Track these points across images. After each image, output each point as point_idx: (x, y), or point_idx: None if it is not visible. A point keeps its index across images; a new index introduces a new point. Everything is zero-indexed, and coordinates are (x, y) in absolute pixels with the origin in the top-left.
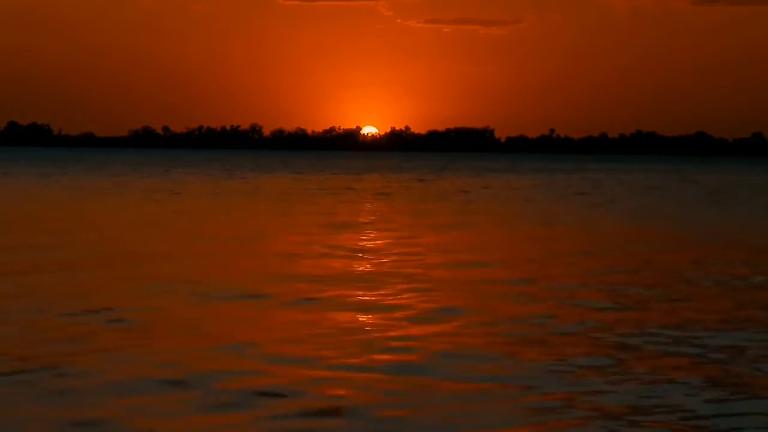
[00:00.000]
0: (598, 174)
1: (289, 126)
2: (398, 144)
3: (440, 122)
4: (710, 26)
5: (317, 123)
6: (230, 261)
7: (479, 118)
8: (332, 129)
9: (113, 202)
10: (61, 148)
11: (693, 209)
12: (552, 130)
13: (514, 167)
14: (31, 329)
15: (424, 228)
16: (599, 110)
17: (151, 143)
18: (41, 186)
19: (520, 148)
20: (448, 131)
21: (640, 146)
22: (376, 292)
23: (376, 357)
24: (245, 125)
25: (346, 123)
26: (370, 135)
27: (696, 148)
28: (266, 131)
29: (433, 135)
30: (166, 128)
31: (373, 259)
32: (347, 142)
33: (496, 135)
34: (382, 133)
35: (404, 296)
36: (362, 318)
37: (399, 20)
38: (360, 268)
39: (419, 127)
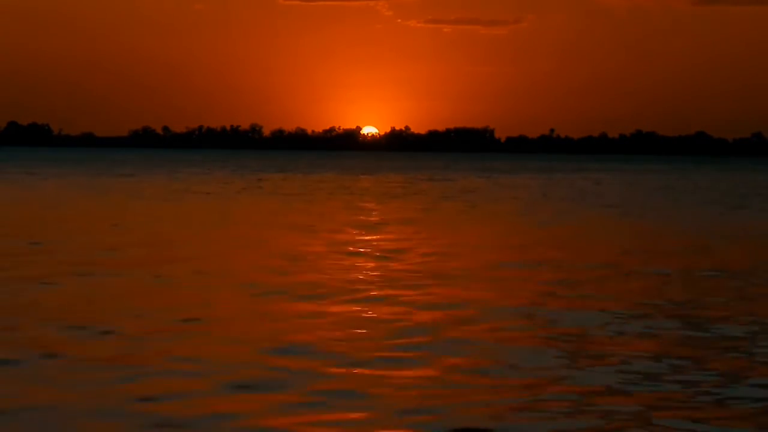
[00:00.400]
0: (598, 173)
1: (289, 126)
2: (398, 144)
3: (440, 122)
4: (710, 26)
5: (317, 123)
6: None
7: (479, 118)
8: (332, 129)
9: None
10: (61, 148)
11: None
12: (552, 130)
13: (519, 167)
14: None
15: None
16: (599, 110)
17: (151, 143)
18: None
19: (520, 148)
20: (448, 131)
21: (640, 146)
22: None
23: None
24: (245, 125)
25: (346, 123)
26: (370, 135)
27: (696, 148)
28: (266, 131)
29: (433, 135)
30: (166, 128)
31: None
32: (347, 142)
33: (496, 135)
34: (382, 133)
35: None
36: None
37: (399, 20)
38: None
39: (419, 127)
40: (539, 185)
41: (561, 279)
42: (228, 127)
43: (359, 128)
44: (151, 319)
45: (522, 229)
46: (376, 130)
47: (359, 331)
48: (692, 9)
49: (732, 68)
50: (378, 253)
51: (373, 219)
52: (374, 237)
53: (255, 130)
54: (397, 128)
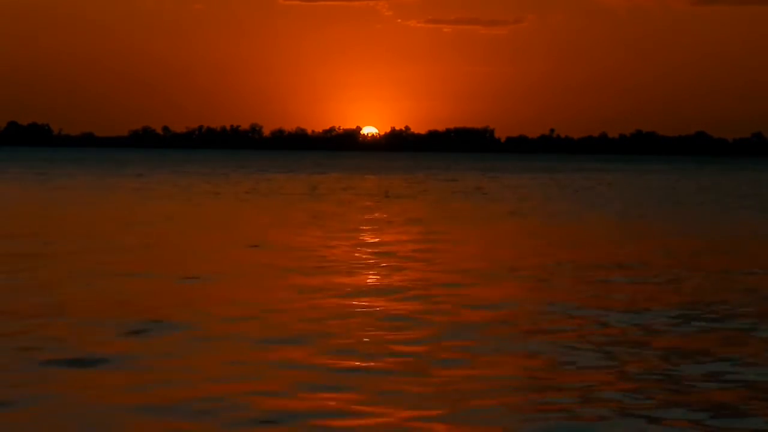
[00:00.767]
0: (599, 173)
1: (289, 126)
2: (398, 144)
3: (440, 122)
4: (710, 26)
5: (317, 123)
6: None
7: (479, 118)
8: (332, 129)
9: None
10: (61, 148)
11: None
12: (552, 130)
13: (521, 167)
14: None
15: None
16: (599, 110)
17: (151, 143)
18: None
19: (520, 148)
20: (448, 131)
21: (640, 146)
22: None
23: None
24: (245, 125)
25: (346, 123)
26: (370, 135)
27: (696, 148)
28: (266, 131)
29: (433, 135)
30: (166, 128)
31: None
32: (347, 142)
33: (496, 135)
34: (382, 133)
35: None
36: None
37: (399, 20)
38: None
39: (419, 127)
40: (553, 184)
41: (603, 278)
42: (228, 127)
43: (359, 128)
44: (198, 321)
45: (542, 229)
46: (376, 130)
47: (413, 331)
48: (691, 9)
49: (732, 68)
50: (410, 254)
51: (386, 218)
52: (397, 237)
53: (255, 130)
54: (397, 128)
